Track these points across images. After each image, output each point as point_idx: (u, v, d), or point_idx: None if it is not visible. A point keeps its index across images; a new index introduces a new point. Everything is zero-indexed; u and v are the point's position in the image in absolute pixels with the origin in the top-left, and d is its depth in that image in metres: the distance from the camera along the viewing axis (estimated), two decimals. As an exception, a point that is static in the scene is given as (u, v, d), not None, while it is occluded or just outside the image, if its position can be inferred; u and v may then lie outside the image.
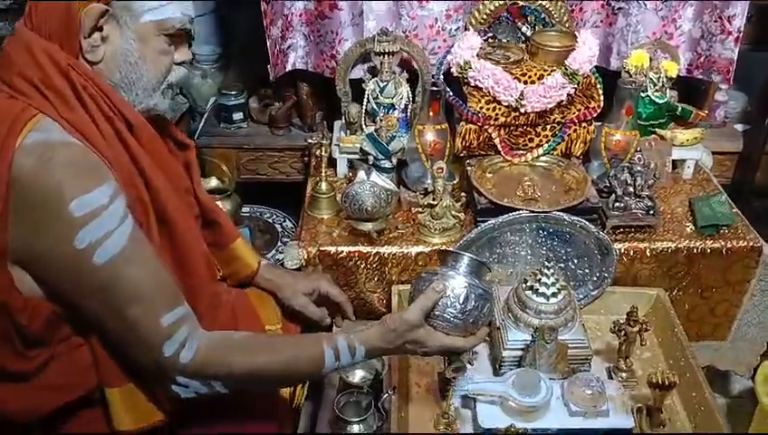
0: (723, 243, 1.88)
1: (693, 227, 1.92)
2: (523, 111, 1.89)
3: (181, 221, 1.26)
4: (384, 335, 1.27)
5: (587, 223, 1.78)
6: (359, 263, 1.83)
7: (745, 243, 1.88)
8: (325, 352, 1.24)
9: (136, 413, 1.22)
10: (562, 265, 1.83)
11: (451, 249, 1.38)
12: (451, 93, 1.96)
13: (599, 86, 1.97)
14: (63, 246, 1.06)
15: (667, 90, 2.10)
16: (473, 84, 1.92)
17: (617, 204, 1.87)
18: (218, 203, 2.15)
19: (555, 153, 1.99)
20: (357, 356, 1.27)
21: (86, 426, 1.24)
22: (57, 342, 1.18)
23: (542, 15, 2.08)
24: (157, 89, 1.23)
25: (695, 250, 1.87)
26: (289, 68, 2.18)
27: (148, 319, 1.12)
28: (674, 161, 2.13)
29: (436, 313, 1.30)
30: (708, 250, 1.87)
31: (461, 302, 1.30)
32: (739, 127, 2.49)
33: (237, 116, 2.38)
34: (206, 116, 2.49)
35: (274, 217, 2.37)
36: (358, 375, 1.71)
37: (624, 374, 1.66)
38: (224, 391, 1.21)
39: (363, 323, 1.90)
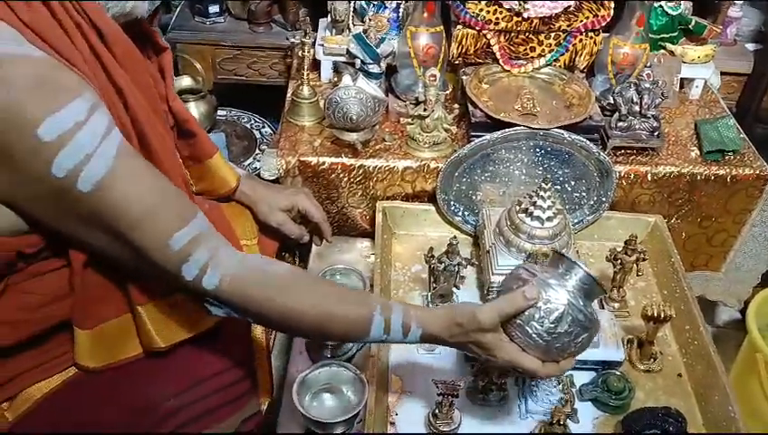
0: (728, 170, 1.77)
1: (698, 152, 1.81)
2: (526, 15, 1.72)
3: (160, 144, 1.09)
4: (448, 327, 1.10)
5: (588, 143, 1.65)
6: (341, 176, 1.70)
7: (752, 171, 1.77)
8: (374, 320, 1.08)
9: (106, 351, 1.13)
10: (558, 186, 1.71)
11: (566, 254, 1.13)
12: (448, -8, 1.79)
13: (610, -8, 1.80)
14: (42, 179, 0.89)
15: (681, 1, 1.95)
16: (472, -17, 1.74)
17: (620, 123, 1.74)
18: (191, 105, 2.02)
19: (558, 65, 1.84)
20: (410, 337, 1.11)
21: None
22: (9, 276, 1.04)
23: None
24: None
25: (698, 176, 1.76)
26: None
27: (155, 242, 0.97)
28: (681, 80, 1.99)
29: (519, 321, 1.07)
30: (712, 177, 1.76)
31: (552, 320, 1.07)
32: (750, 46, 2.34)
33: (213, 9, 2.19)
34: (179, 8, 2.29)
35: (253, 122, 2.22)
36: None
37: (616, 304, 1.59)
38: (254, 322, 1.12)
39: (345, 240, 1.82)
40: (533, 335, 1.07)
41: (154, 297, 1.11)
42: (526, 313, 1.07)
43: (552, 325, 1.07)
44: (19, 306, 1.04)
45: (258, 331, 1.39)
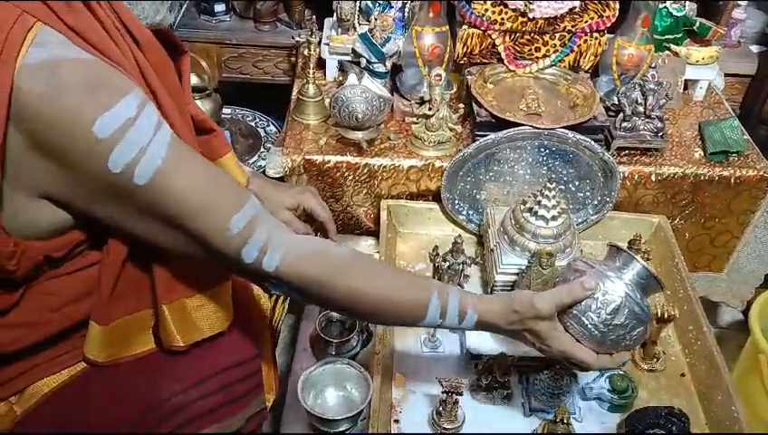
0: (732, 171, 1.77)
1: (701, 153, 1.82)
2: (531, 16, 1.73)
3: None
4: (505, 314, 1.11)
5: (592, 143, 1.66)
6: (346, 174, 1.71)
7: (755, 172, 1.78)
8: (430, 304, 1.09)
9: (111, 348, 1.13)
10: (563, 186, 1.72)
11: (624, 247, 1.14)
12: (454, -8, 1.79)
13: (615, -7, 1.81)
14: (98, 175, 0.91)
15: (686, 2, 1.95)
16: (478, -17, 1.75)
17: (624, 124, 1.75)
18: (197, 103, 2.01)
19: (562, 65, 1.84)
20: (466, 323, 1.12)
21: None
22: (32, 281, 1.04)
23: None
24: (164, 2, 1.04)
25: (702, 177, 1.77)
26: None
27: (214, 228, 0.98)
28: (685, 81, 2.00)
29: (575, 312, 1.09)
30: (716, 178, 1.77)
31: (609, 312, 1.07)
32: (754, 48, 2.35)
33: (219, 8, 2.20)
34: (185, 6, 2.30)
35: (258, 120, 2.23)
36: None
37: (620, 304, 1.59)
38: (314, 303, 1.13)
39: (350, 238, 1.82)
40: (589, 326, 1.08)
41: (179, 296, 1.11)
42: (583, 303, 1.08)
43: (609, 317, 1.07)
44: (38, 308, 1.05)
45: (264, 327, 1.40)
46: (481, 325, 1.14)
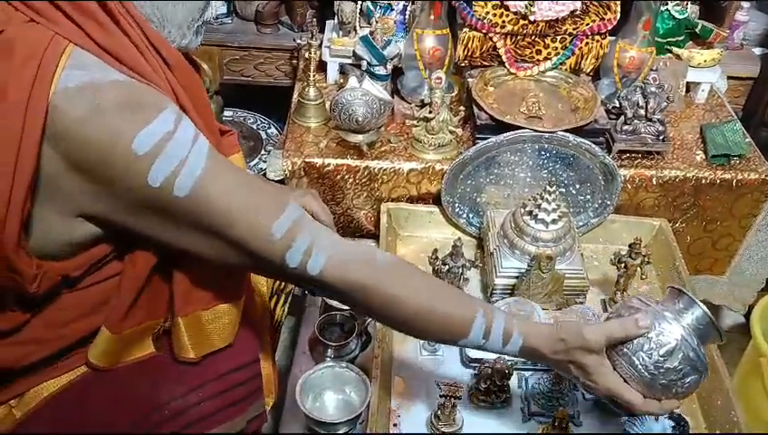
0: (733, 174, 1.77)
1: (703, 156, 1.81)
2: (532, 18, 1.73)
3: None
4: (550, 342, 1.08)
5: (593, 146, 1.66)
6: (347, 177, 1.71)
7: (757, 175, 1.77)
8: (475, 322, 1.06)
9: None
10: (563, 189, 1.71)
11: (686, 291, 1.09)
12: (455, -5, 1.79)
13: (616, -5, 1.80)
14: (138, 190, 0.92)
15: (689, 4, 1.95)
16: (479, -14, 1.75)
17: (625, 127, 1.74)
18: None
19: (564, 68, 1.84)
20: (509, 347, 1.08)
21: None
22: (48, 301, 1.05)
23: None
24: (191, 27, 1.05)
25: (703, 180, 1.76)
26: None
27: (258, 234, 0.98)
28: (687, 84, 1.99)
29: (626, 350, 1.03)
30: (717, 181, 1.76)
31: (662, 353, 1.01)
32: (757, 51, 2.34)
33: (221, 10, 2.20)
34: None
35: (259, 122, 2.23)
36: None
37: (620, 307, 1.59)
38: (355, 308, 1.13)
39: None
40: (639, 366, 1.03)
41: (195, 309, 1.12)
42: (635, 342, 1.03)
43: (662, 359, 1.02)
44: (46, 324, 1.05)
45: (264, 330, 1.40)
46: (525, 351, 1.10)
